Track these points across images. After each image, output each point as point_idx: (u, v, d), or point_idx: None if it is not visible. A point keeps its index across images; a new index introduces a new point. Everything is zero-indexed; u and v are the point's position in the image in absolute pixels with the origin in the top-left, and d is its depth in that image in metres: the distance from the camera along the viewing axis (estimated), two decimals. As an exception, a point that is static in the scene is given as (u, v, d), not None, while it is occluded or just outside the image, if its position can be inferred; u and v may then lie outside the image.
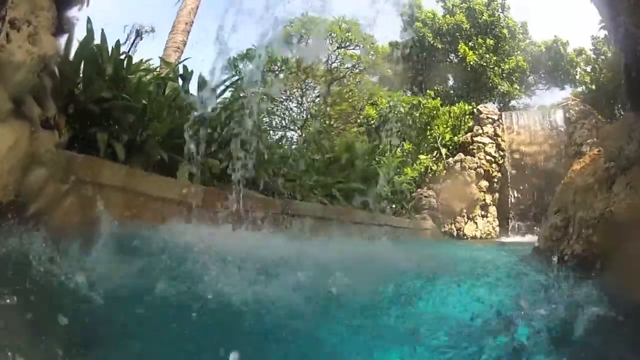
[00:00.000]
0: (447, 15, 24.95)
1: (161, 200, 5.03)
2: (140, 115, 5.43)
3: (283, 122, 18.80)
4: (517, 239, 15.53)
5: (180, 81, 7.33)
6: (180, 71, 7.64)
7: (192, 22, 14.79)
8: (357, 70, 18.21)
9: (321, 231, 7.16)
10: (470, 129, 18.52)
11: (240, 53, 18.98)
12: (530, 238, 14.93)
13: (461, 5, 25.18)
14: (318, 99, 18.00)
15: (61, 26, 4.21)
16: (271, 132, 16.51)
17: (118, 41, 6.24)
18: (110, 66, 5.66)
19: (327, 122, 17.45)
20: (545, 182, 16.96)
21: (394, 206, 12.61)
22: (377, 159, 12.21)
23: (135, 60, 7.23)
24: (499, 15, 25.30)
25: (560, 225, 5.37)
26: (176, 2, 15.52)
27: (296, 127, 18.44)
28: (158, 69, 8.06)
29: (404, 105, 17.90)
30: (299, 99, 18.04)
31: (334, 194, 8.88)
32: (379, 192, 10.62)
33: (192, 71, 7.64)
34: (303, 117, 18.30)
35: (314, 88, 17.89)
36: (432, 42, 24.09)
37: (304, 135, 16.82)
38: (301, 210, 7.08)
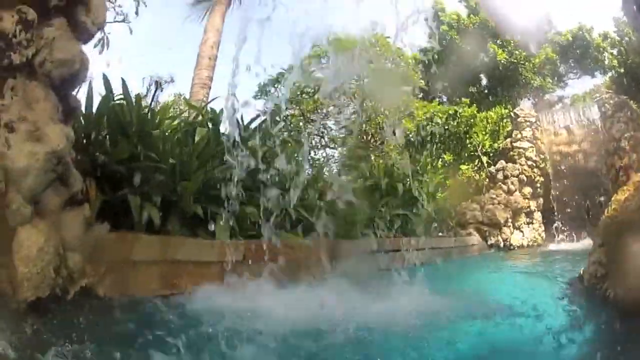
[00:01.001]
0: (471, 15, 24.68)
1: (199, 264, 4.88)
2: (170, 173, 5.27)
3: (322, 140, 18.73)
4: (564, 246, 15.34)
5: (210, 124, 7.20)
6: (210, 109, 7.56)
7: (216, 56, 14.77)
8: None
9: (370, 267, 6.95)
10: (509, 134, 18.25)
11: (271, 77, 19.04)
12: (575, 245, 15.04)
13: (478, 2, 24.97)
14: (354, 115, 17.97)
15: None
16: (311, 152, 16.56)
17: (138, 95, 6.15)
18: (134, 123, 5.52)
19: (365, 138, 17.30)
20: (587, 182, 16.68)
21: (437, 226, 12.32)
22: (419, 178, 11.95)
23: (162, 100, 7.16)
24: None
25: (604, 262, 5.04)
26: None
27: (336, 145, 18.38)
28: (186, 113, 7.95)
29: (440, 115, 17.63)
30: (337, 116, 18.03)
31: (377, 224, 8.61)
32: (422, 215, 10.42)
33: (221, 110, 7.50)
34: (342, 134, 18.25)
35: (348, 105, 17.81)
36: (460, 44, 23.73)
37: (344, 152, 16.76)
38: (347, 250, 6.84)
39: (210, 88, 14.04)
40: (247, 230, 5.70)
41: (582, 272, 5.53)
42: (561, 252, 13.28)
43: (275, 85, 18.92)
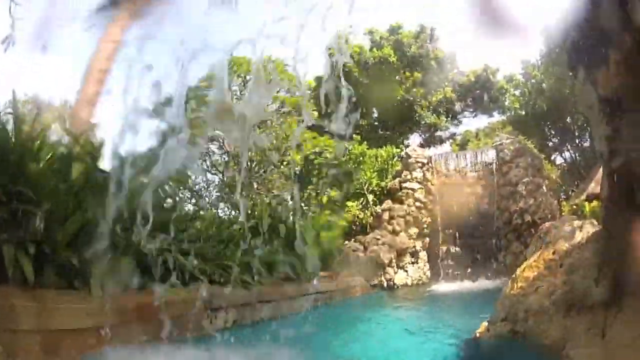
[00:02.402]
0: (375, 49, 25.77)
1: (75, 332, 4.82)
2: (46, 216, 5.19)
3: (204, 164, 18.64)
4: (449, 286, 15.83)
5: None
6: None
7: (109, 70, 14.24)
8: (282, 112, 18.33)
9: (249, 319, 7.18)
10: (399, 174, 18.76)
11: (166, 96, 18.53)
12: (461, 285, 15.81)
13: (389, 38, 26.22)
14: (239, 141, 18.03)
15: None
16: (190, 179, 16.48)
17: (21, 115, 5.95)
18: (15, 150, 5.42)
19: (250, 164, 17.42)
20: (476, 224, 17.68)
21: (322, 267, 12.65)
22: (304, 215, 12.27)
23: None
24: (427, 47, 26.47)
25: (507, 337, 5.51)
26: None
27: (218, 171, 18.35)
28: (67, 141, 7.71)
29: (330, 150, 18.07)
30: (221, 140, 18.02)
31: (256, 268, 8.75)
32: (305, 257, 10.63)
33: (102, 142, 7.34)
34: (224, 159, 18.24)
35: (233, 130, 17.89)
36: (358, 77, 24.66)
37: (226, 179, 16.79)
38: (224, 300, 7.00)
39: (94, 106, 13.55)
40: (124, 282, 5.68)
41: (478, 335, 6.00)
42: (447, 296, 14.08)
43: (168, 106, 18.53)
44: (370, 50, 25.88)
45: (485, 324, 5.97)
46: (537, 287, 5.61)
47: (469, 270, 16.98)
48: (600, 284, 4.58)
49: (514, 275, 6.29)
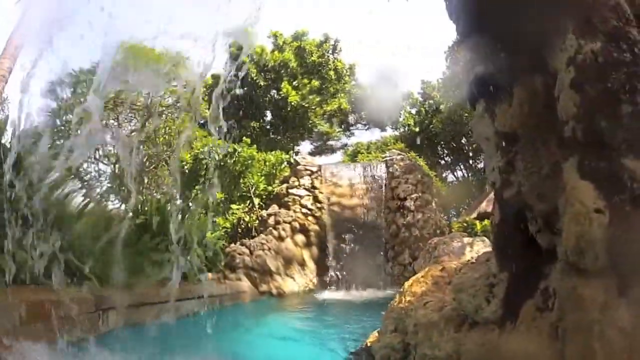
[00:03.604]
0: (276, 52, 25.96)
1: None
2: None
3: (97, 153, 18.03)
4: (336, 294, 16.07)
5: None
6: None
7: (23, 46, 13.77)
8: (177, 107, 18.14)
9: (137, 320, 7.15)
10: (286, 180, 19.03)
11: (60, 78, 17.85)
12: (349, 294, 16.10)
13: (292, 44, 26.45)
14: (133, 133, 17.64)
15: None
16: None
17: None
18: None
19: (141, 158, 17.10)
20: (364, 235, 18.09)
21: (208, 269, 12.76)
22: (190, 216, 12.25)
23: None
24: (328, 57, 27.08)
25: (398, 348, 5.80)
26: None
27: (110, 162, 17.85)
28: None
29: (218, 151, 18.01)
30: (113, 131, 17.54)
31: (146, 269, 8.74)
32: (193, 258, 10.68)
33: (6, 118, 7.18)
34: (116, 151, 17.77)
35: (130, 121, 17.51)
36: (255, 78, 24.86)
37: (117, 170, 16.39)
38: (115, 300, 6.97)
39: (7, 82, 13.05)
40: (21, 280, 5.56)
41: (370, 346, 6.23)
42: (334, 302, 14.41)
43: (61, 86, 17.92)
44: (272, 52, 26.02)
45: (375, 333, 6.26)
46: (426, 302, 5.81)
47: (357, 279, 17.30)
48: (492, 303, 4.94)
49: (401, 289, 6.53)
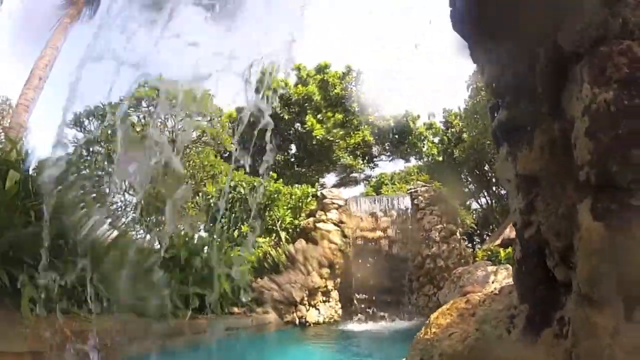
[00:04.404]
0: (300, 85, 26.41)
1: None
2: None
3: (123, 184, 18.38)
4: (361, 326, 16.03)
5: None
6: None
7: (47, 77, 14.18)
8: (201, 142, 18.52)
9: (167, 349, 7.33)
10: (313, 213, 19.10)
11: (87, 109, 18.42)
12: (374, 325, 16.07)
13: (315, 77, 26.87)
14: (156, 163, 17.94)
15: None
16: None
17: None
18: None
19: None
20: (389, 267, 18.06)
21: (234, 303, 12.83)
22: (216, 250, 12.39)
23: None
24: (351, 89, 27.44)
25: None
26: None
27: (134, 192, 18.15)
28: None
29: (245, 186, 18.24)
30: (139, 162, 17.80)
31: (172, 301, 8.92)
32: (218, 291, 10.84)
33: (26, 152, 7.34)
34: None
35: (155, 153, 17.85)
36: (279, 112, 25.19)
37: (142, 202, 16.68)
38: (144, 331, 7.16)
39: (30, 113, 13.45)
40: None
41: None
42: (358, 334, 14.37)
43: (90, 118, 18.43)
44: (295, 86, 26.44)
45: None
46: (451, 333, 6.02)
47: (382, 311, 17.40)
48: (512, 333, 5.06)
49: (427, 321, 6.73)
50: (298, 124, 26.39)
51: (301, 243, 17.83)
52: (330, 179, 29.21)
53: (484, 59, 6.29)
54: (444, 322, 6.41)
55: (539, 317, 4.89)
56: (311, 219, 18.87)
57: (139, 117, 18.16)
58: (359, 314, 17.60)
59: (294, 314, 15.90)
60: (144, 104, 17.56)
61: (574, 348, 4.10)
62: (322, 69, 27.41)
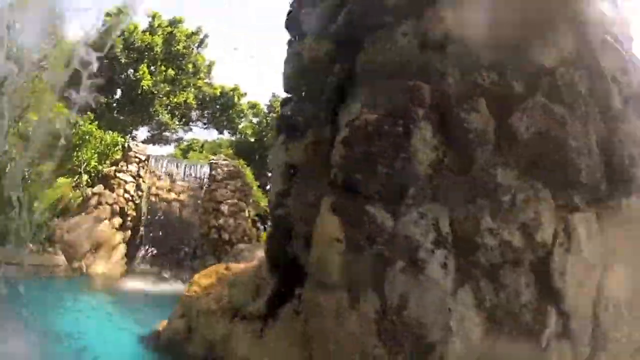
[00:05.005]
0: (148, 34, 26.47)
1: None
2: None
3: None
4: (143, 285, 16.49)
5: None
6: None
7: None
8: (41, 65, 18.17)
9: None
10: (116, 163, 19.55)
11: None
12: (155, 284, 16.78)
13: (165, 28, 27.08)
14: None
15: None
16: None
17: None
18: None
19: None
20: (178, 230, 19.43)
21: (32, 239, 13.29)
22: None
23: None
24: (193, 49, 28.06)
25: (183, 330, 7.19)
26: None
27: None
28: None
29: (61, 120, 17.97)
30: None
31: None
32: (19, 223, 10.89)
33: None
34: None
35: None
36: (119, 54, 25.24)
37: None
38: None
39: None
40: None
41: (160, 331, 7.47)
42: (140, 292, 15.26)
43: None
44: (143, 32, 26.43)
45: (166, 320, 7.59)
46: (208, 294, 7.27)
47: (165, 270, 18.27)
48: (257, 301, 6.41)
49: (191, 280, 8.02)
50: (132, 71, 26.37)
51: (100, 188, 18.39)
52: (144, 132, 29.39)
53: (289, 52, 7.99)
54: (205, 283, 7.91)
55: (283, 291, 6.40)
56: (113, 167, 19.36)
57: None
58: (144, 271, 18.32)
59: (82, 262, 16.34)
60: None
61: (306, 325, 5.62)
62: (175, 23, 27.61)
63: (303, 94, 7.27)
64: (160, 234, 19.41)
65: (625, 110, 6.28)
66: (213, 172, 20.06)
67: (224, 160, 21.05)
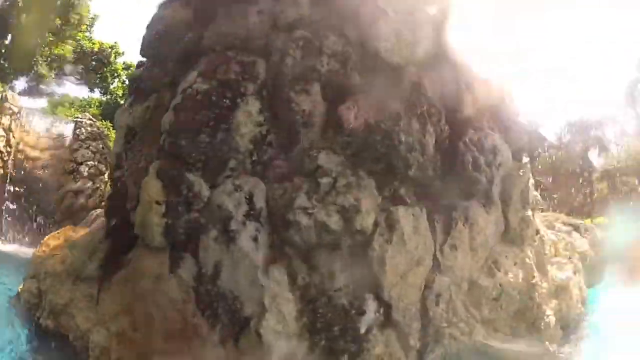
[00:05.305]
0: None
1: None
2: None
3: None
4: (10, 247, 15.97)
5: None
6: None
7: None
8: None
9: None
10: None
11: None
12: (19, 248, 15.67)
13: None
14: None
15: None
16: None
17: None
18: None
19: None
20: (40, 190, 18.22)
21: None
22: None
23: None
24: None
25: (35, 293, 6.93)
26: None
27: None
28: None
29: None
30: None
31: None
32: None
33: None
34: None
35: None
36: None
37: None
38: None
39: None
40: None
41: (19, 292, 7.18)
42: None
43: None
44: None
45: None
46: (55, 254, 7.15)
47: (22, 234, 17.45)
48: (93, 263, 6.39)
49: (42, 240, 7.88)
50: (15, 20, 24.42)
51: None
52: (22, 83, 27.48)
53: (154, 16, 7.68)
54: (53, 244, 7.76)
55: (117, 254, 6.36)
56: (-14, 120, 18.12)
57: None
58: (8, 231, 17.47)
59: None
60: None
61: (133, 287, 5.60)
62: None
63: (155, 58, 7.26)
64: (25, 193, 18.23)
65: (478, 118, 6.64)
66: (77, 131, 19.01)
67: (89, 120, 20.04)
